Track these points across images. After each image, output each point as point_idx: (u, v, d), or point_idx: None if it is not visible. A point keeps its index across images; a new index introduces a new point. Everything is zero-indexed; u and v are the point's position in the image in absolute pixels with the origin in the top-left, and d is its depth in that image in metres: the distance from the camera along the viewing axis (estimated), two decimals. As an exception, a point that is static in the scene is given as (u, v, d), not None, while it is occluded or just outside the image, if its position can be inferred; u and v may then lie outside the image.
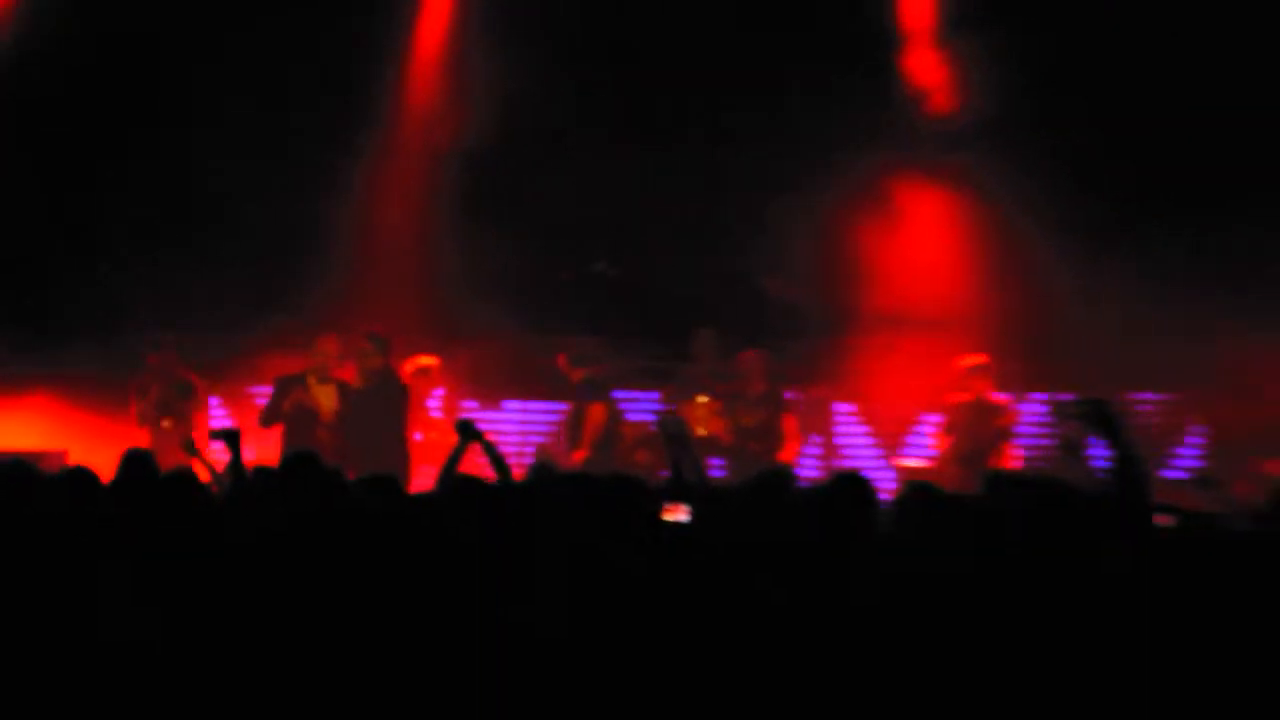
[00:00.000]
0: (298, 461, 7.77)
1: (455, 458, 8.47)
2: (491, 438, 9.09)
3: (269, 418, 15.15)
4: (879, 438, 17.12)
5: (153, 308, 15.78)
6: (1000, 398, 15.30)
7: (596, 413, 15.07)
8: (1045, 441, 16.18)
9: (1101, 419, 6.61)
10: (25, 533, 6.86)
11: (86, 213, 16.15)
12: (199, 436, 14.68)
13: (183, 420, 15.56)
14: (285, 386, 15.27)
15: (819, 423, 16.87)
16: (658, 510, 7.42)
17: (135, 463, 8.51)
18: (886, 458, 16.70)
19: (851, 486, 7.20)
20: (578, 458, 14.80)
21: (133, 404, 15.70)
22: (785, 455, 14.98)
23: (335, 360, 15.22)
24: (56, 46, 16.26)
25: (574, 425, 15.19)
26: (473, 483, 7.42)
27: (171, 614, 6.03)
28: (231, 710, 5.65)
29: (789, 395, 15.80)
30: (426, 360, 15.47)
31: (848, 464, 16.40)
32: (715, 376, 15.60)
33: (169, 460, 13.65)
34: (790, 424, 15.38)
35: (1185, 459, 15.96)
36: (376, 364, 14.96)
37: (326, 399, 15.13)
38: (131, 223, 16.13)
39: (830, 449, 16.89)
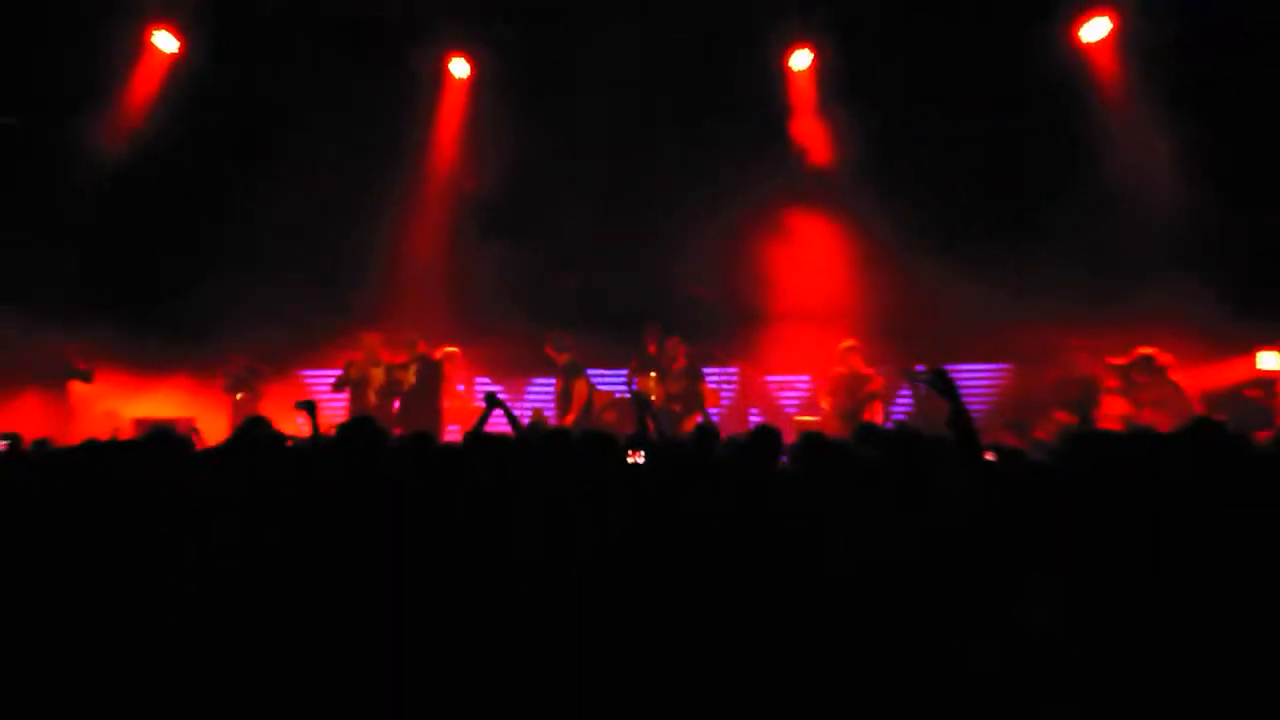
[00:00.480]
0: (359, 422, 7.78)
1: (483, 418, 8.53)
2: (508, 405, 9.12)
3: (339, 386, 15.26)
4: (780, 400, 17.11)
5: (246, 313, 15.52)
6: (868, 369, 15.31)
7: (580, 387, 15.09)
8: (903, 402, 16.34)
9: (943, 383, 6.65)
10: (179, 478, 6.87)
11: (204, 245, 16.04)
12: (265, 407, 14.83)
13: (254, 394, 15.63)
14: (346, 369, 15.36)
15: (739, 390, 16.73)
16: (624, 455, 7.54)
17: (253, 424, 8.68)
18: (783, 415, 16.64)
19: (765, 434, 7.35)
20: (567, 421, 14.78)
21: (220, 382, 15.86)
22: (696, 417, 14.89)
23: (380, 349, 15.28)
24: (178, 125, 16.13)
25: (563, 396, 15.17)
26: (489, 436, 7.50)
27: (288, 527, 6.12)
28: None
29: (708, 370, 15.90)
30: (451, 348, 15.51)
31: (757, 420, 16.54)
32: (658, 358, 15.58)
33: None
34: (705, 389, 15.34)
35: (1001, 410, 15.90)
36: (414, 352, 15.05)
37: (375, 378, 15.24)
38: (231, 252, 15.91)
39: (744, 409, 16.79)
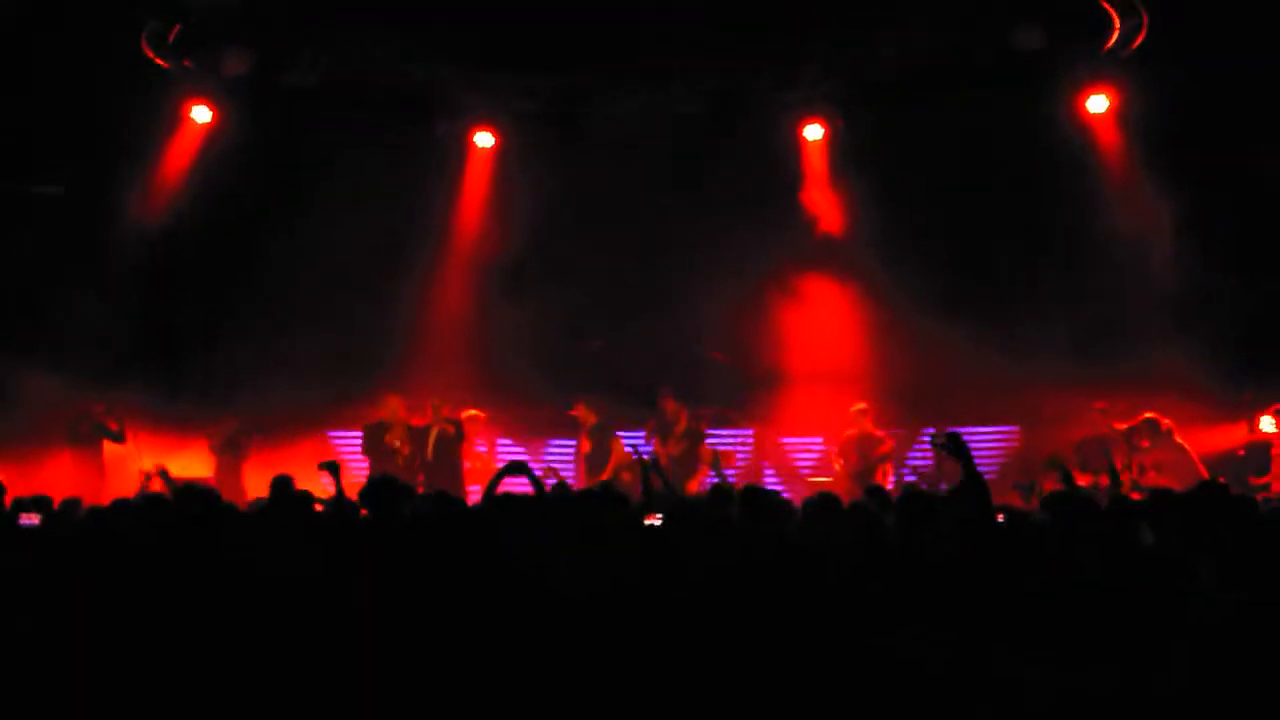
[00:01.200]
0: (382, 482, 7.99)
1: (495, 481, 8.67)
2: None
3: (366, 450, 15.55)
4: (794, 461, 17.31)
5: (274, 374, 15.72)
6: (879, 432, 15.66)
7: (618, 446, 15.32)
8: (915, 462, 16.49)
9: (956, 447, 6.79)
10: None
11: (235, 308, 16.33)
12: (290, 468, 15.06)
13: (239, 455, 15.86)
14: (369, 430, 15.67)
15: (754, 451, 16.96)
16: (641, 517, 7.74)
17: (280, 484, 9.06)
18: (798, 476, 16.86)
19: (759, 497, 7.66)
20: (603, 478, 14.76)
21: (206, 443, 15.94)
22: (697, 479, 15.17)
23: (402, 410, 15.58)
24: (212, 193, 16.50)
25: (592, 457, 15.33)
26: (510, 498, 7.58)
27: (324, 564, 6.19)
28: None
29: (724, 432, 16.15)
30: (474, 411, 15.77)
31: (770, 481, 16.70)
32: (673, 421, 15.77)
33: (225, 480, 14.73)
34: (704, 451, 15.50)
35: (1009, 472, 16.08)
36: (439, 416, 15.36)
37: (397, 439, 15.53)
38: (261, 314, 16.20)
39: (759, 469, 16.95)
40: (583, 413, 15.69)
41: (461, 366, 16.35)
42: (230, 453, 15.81)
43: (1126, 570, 5.56)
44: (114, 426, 15.79)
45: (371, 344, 16.60)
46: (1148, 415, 14.05)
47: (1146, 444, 13.95)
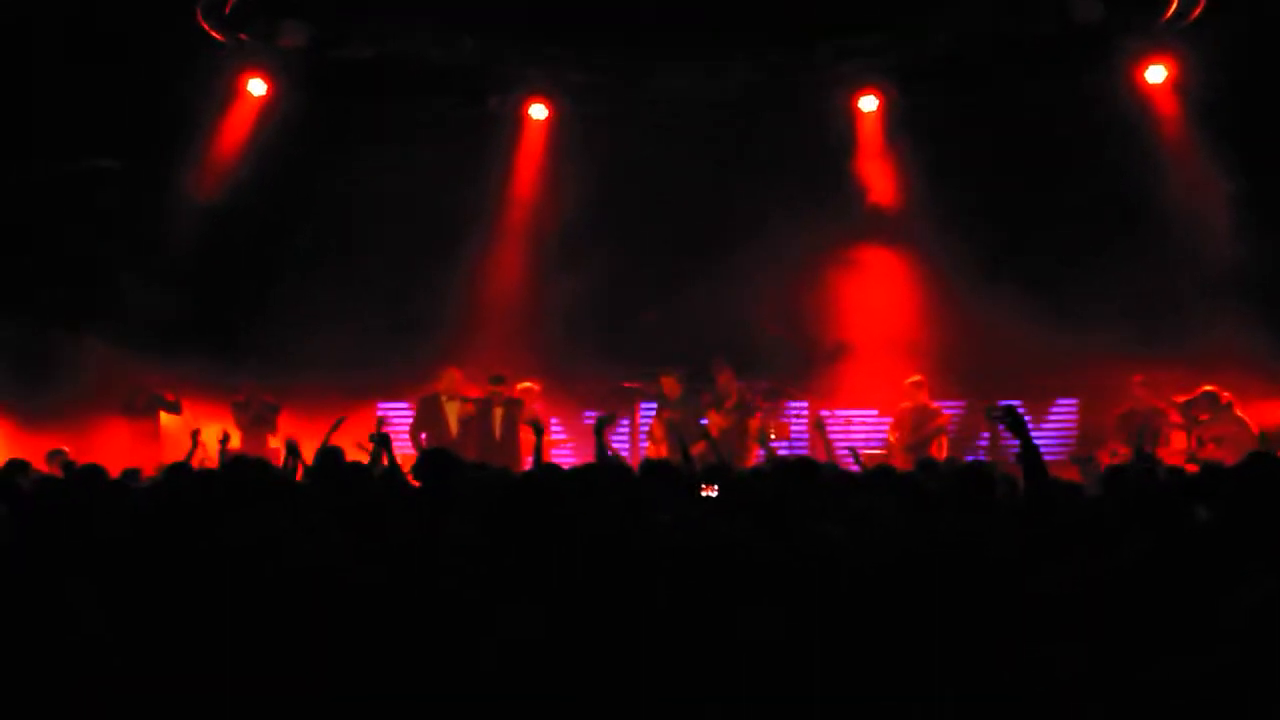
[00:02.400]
0: (436, 453, 8.13)
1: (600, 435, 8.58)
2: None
3: (416, 429, 15.68)
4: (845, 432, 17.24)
5: (329, 346, 15.73)
6: (935, 404, 15.71)
7: (713, 418, 15.33)
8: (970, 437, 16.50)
9: (1014, 421, 6.72)
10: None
11: (291, 281, 16.39)
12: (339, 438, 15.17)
13: (266, 425, 16.00)
14: (424, 403, 15.81)
15: (808, 424, 16.61)
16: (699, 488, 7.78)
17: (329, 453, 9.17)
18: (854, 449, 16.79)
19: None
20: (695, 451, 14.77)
21: (232, 415, 15.97)
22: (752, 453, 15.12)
23: (460, 384, 15.70)
24: (267, 166, 16.64)
25: (675, 429, 14.71)
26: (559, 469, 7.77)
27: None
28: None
29: (768, 404, 16.17)
30: (528, 384, 15.86)
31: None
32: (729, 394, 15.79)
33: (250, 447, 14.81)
34: (752, 425, 15.50)
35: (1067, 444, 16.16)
36: (499, 395, 15.54)
37: (452, 412, 15.66)
38: (317, 287, 16.15)
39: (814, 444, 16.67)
40: (669, 385, 15.68)
41: (515, 339, 16.53)
42: (257, 426, 15.89)
43: (1180, 549, 5.39)
44: (170, 398, 16.00)
45: (425, 317, 16.71)
46: (1207, 388, 14.03)
47: (1205, 417, 13.93)
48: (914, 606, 4.89)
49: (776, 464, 9.08)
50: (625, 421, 16.71)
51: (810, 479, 7.25)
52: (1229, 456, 12.54)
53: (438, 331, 16.59)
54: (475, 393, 15.87)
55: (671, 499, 6.98)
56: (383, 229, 16.59)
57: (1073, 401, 16.84)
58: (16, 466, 10.91)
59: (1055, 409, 16.93)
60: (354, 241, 16.47)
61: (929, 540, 5.55)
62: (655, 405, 15.93)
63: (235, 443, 14.74)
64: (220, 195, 16.62)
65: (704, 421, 15.04)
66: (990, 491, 7.04)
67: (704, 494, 7.60)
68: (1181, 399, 14.15)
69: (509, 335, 16.66)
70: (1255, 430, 13.71)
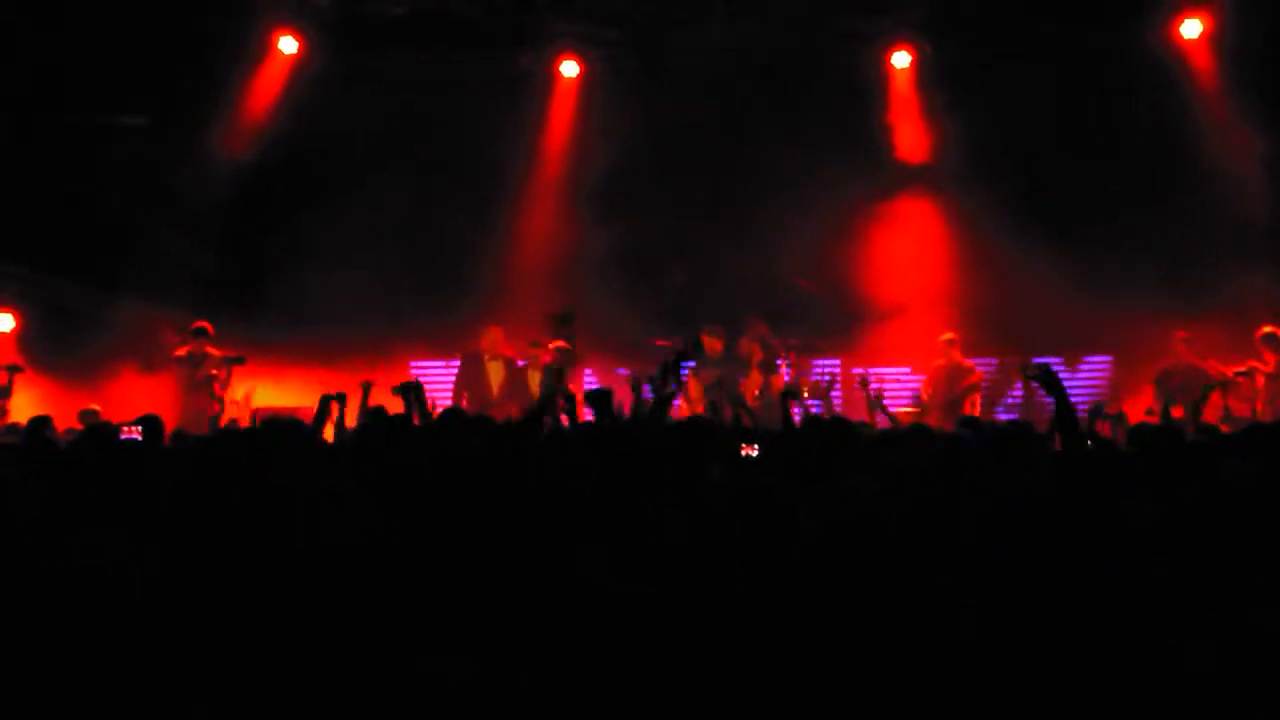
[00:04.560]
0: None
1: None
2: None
3: (459, 387, 15.89)
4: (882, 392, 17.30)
5: (359, 304, 16.17)
6: (968, 362, 15.83)
7: (776, 380, 15.47)
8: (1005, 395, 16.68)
9: (1049, 379, 6.72)
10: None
11: (322, 238, 16.52)
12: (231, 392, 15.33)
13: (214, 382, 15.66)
14: (467, 361, 16.06)
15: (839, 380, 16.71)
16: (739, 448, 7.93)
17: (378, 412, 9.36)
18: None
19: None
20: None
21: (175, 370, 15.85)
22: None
23: (502, 344, 15.95)
24: (298, 123, 16.91)
25: (723, 386, 14.85)
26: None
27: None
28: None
29: (799, 360, 16.33)
30: (560, 342, 15.97)
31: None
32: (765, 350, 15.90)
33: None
34: (776, 381, 15.49)
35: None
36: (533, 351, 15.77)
37: (494, 372, 15.87)
38: (347, 245, 16.14)
39: (849, 400, 16.72)
40: (710, 343, 15.73)
41: (548, 296, 16.63)
42: (201, 386, 15.52)
43: (1210, 506, 5.45)
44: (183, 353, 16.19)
45: (457, 274, 16.88)
46: (1267, 329, 14.11)
47: (1273, 357, 14.02)
48: (949, 560, 4.93)
49: (810, 421, 9.23)
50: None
51: (845, 436, 7.48)
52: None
53: (470, 289, 16.75)
54: (511, 352, 16.08)
55: (713, 457, 7.00)
56: (413, 187, 16.74)
57: (1106, 358, 16.99)
58: (40, 422, 11.05)
59: (1088, 365, 17.07)
60: (384, 200, 16.50)
61: (964, 494, 5.73)
62: (692, 363, 16.00)
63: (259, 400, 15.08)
64: (250, 153, 16.88)
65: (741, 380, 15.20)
66: (1027, 448, 7.11)
67: (745, 454, 7.61)
68: (1228, 370, 14.20)
69: (542, 292, 16.77)
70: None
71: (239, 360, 15.35)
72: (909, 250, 16.96)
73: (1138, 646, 4.44)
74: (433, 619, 4.52)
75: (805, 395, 15.31)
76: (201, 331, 15.55)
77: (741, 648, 4.42)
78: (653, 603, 4.54)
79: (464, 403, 15.45)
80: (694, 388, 15.45)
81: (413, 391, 9.51)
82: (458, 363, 16.31)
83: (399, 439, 7.82)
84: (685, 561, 4.83)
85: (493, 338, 15.96)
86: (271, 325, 16.46)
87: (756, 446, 7.48)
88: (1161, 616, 4.56)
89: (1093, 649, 4.46)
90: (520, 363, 16.06)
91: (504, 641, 4.34)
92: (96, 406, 14.28)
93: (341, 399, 9.72)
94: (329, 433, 9.48)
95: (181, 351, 15.66)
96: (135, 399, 15.33)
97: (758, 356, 15.64)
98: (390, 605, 4.50)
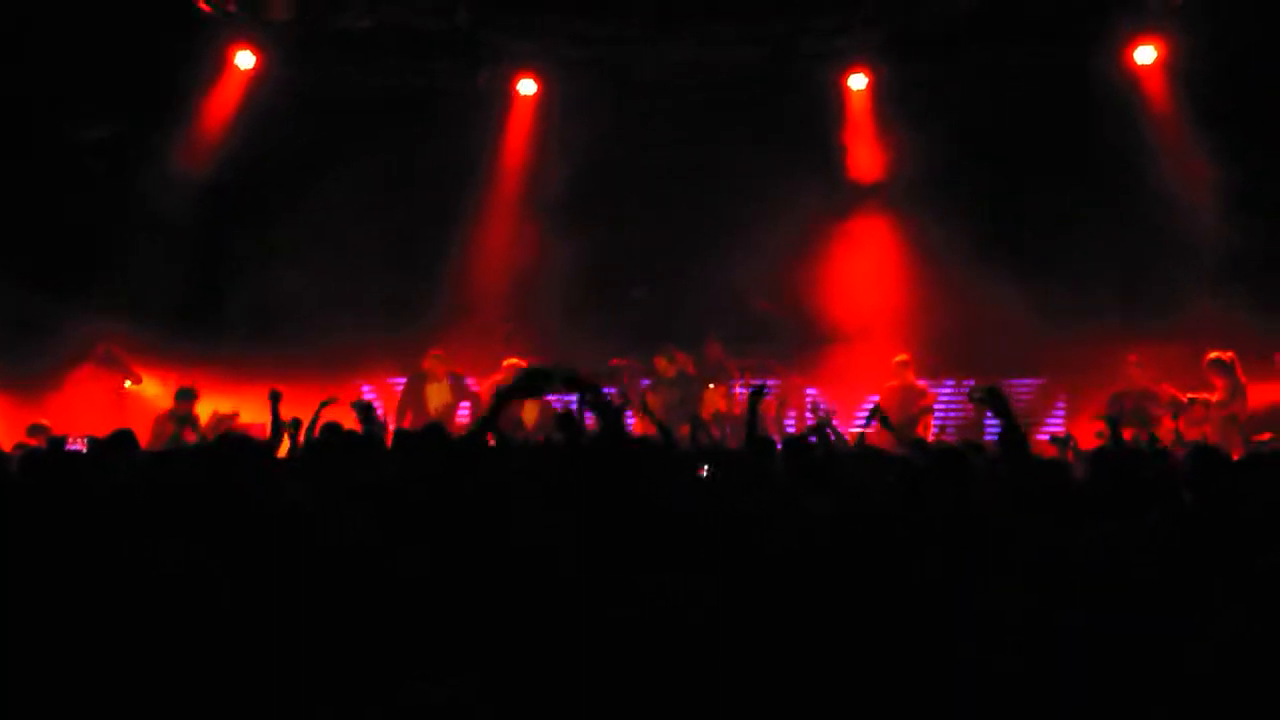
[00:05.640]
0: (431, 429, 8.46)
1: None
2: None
3: (401, 408, 16.01)
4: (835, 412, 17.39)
5: (313, 321, 16.11)
6: (921, 383, 16.04)
7: (711, 396, 15.71)
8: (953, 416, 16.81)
9: (996, 401, 6.76)
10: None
11: (275, 254, 16.67)
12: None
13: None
14: (410, 382, 16.24)
15: (792, 400, 16.98)
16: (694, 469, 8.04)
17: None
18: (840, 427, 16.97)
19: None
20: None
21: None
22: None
23: (442, 365, 16.06)
24: (253, 138, 16.93)
25: (680, 410, 15.05)
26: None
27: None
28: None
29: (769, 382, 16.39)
30: (515, 360, 15.92)
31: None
32: (720, 370, 16.21)
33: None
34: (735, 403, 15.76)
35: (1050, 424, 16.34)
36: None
37: (434, 395, 15.97)
38: (301, 261, 16.45)
39: (800, 421, 16.86)
40: (661, 364, 15.95)
41: (505, 317, 16.83)
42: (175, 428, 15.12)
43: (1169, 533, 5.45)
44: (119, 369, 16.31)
45: (414, 294, 17.05)
46: (1213, 355, 14.27)
47: (1220, 382, 14.15)
48: (899, 579, 4.93)
49: (758, 441, 9.34)
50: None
51: (799, 457, 7.62)
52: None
53: (427, 309, 16.92)
54: (462, 371, 16.23)
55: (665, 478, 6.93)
56: (371, 203, 16.92)
57: (1057, 381, 17.08)
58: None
59: (1039, 388, 17.19)
60: (343, 216, 16.65)
61: (911, 511, 5.84)
62: (648, 382, 16.15)
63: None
64: (209, 168, 16.91)
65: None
66: (970, 468, 6.98)
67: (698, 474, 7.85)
68: (1184, 396, 14.31)
69: (500, 314, 16.98)
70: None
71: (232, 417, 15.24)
72: (866, 270, 17.11)
73: (1102, 665, 4.45)
74: (406, 640, 4.52)
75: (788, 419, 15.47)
76: (188, 393, 15.25)
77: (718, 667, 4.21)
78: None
79: (406, 423, 15.51)
80: (652, 406, 15.53)
81: (364, 411, 9.71)
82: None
83: (353, 456, 7.91)
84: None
85: (434, 359, 16.07)
86: (231, 341, 16.55)
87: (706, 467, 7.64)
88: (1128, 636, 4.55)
89: (1052, 664, 4.46)
90: (469, 381, 16.19)
91: (479, 664, 4.33)
92: (46, 421, 14.29)
93: (295, 425, 9.92)
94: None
95: (164, 411, 15.43)
96: (87, 413, 15.40)
97: (712, 375, 15.93)
98: (366, 628, 4.52)
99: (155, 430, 14.82)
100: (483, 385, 16.16)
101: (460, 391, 16.15)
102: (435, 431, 8.24)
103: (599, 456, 6.24)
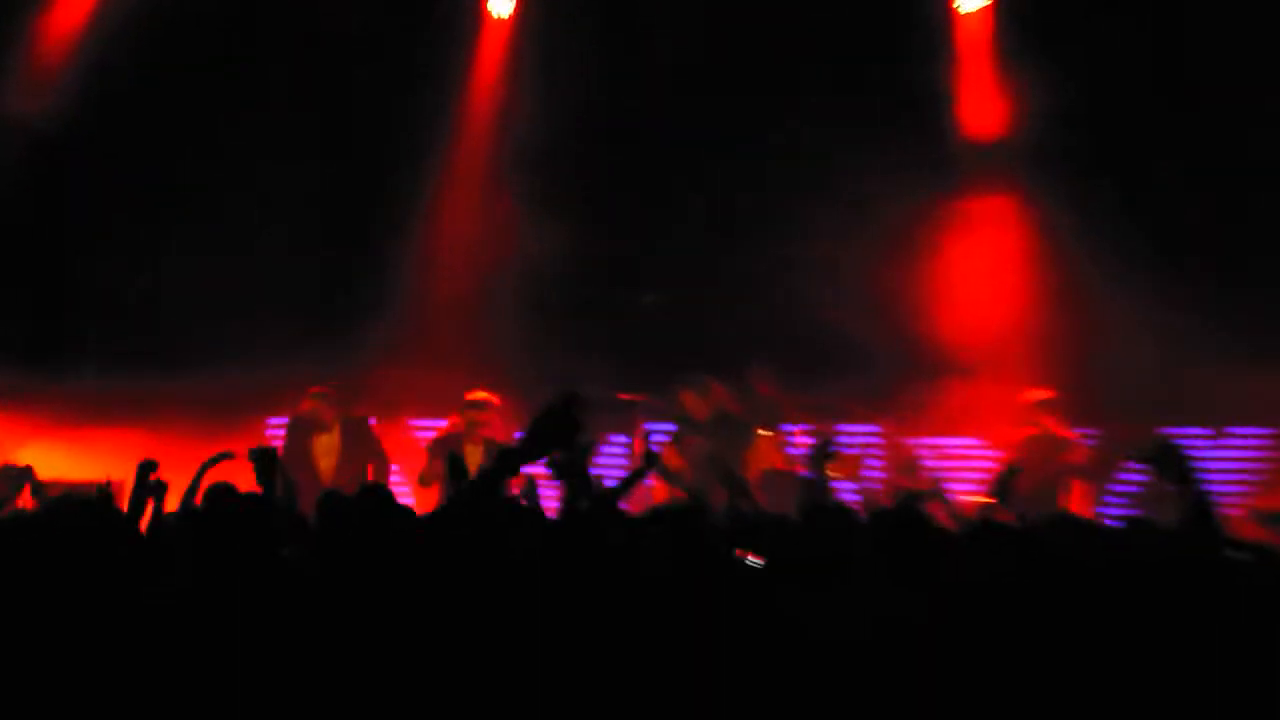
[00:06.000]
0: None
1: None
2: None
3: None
4: (940, 472, 17.03)
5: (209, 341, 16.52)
6: (1069, 433, 15.54)
7: (766, 448, 15.61)
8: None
9: (1170, 461, 6.85)
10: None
11: (154, 233, 16.60)
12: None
13: None
14: (290, 431, 16.18)
15: (879, 455, 17.00)
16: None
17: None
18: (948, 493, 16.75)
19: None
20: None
21: None
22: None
23: (329, 406, 15.99)
24: (120, 76, 17.13)
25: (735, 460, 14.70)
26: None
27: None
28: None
29: (842, 428, 16.20)
30: (483, 394, 15.78)
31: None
32: (773, 411, 15.98)
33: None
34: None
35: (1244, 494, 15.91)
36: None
37: (321, 449, 15.80)
38: (188, 250, 16.79)
39: (892, 485, 16.51)
40: (692, 402, 15.64)
41: (467, 327, 16.86)
42: None
43: None
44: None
45: (348, 298, 17.58)
46: None
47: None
48: None
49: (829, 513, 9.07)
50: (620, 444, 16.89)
51: (894, 538, 7.31)
52: None
53: (361, 319, 17.06)
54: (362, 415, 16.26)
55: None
56: (288, 173, 17.12)
57: (1265, 432, 16.75)
58: None
59: (1236, 441, 16.85)
60: (247, 190, 16.94)
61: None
62: (674, 426, 15.84)
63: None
64: (52, 113, 17.08)
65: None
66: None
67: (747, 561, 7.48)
68: None
69: (458, 321, 16.92)
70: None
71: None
72: (987, 272, 16.99)
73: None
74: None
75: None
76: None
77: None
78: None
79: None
80: (673, 459, 15.26)
81: (263, 460, 9.57)
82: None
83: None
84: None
85: (316, 399, 15.94)
86: (63, 363, 16.92)
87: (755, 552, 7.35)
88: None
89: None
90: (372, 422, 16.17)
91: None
92: None
93: (161, 488, 9.73)
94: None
95: None
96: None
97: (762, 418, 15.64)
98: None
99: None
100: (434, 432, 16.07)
101: (362, 442, 15.94)
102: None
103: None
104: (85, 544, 6.80)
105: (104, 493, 10.22)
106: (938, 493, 11.62)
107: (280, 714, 5.60)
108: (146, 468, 9.64)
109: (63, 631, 5.72)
